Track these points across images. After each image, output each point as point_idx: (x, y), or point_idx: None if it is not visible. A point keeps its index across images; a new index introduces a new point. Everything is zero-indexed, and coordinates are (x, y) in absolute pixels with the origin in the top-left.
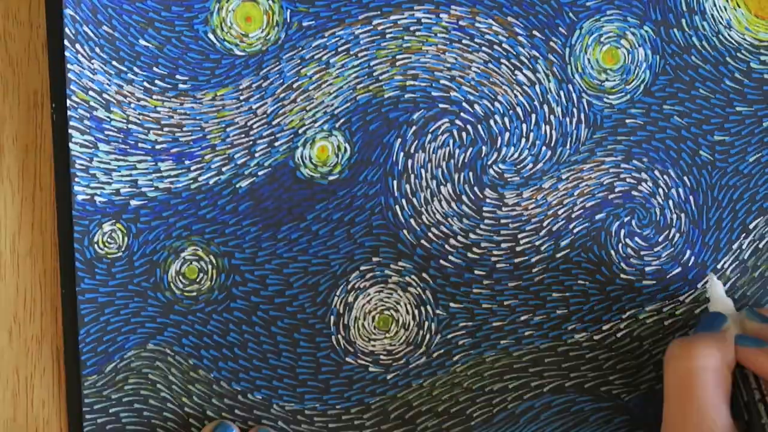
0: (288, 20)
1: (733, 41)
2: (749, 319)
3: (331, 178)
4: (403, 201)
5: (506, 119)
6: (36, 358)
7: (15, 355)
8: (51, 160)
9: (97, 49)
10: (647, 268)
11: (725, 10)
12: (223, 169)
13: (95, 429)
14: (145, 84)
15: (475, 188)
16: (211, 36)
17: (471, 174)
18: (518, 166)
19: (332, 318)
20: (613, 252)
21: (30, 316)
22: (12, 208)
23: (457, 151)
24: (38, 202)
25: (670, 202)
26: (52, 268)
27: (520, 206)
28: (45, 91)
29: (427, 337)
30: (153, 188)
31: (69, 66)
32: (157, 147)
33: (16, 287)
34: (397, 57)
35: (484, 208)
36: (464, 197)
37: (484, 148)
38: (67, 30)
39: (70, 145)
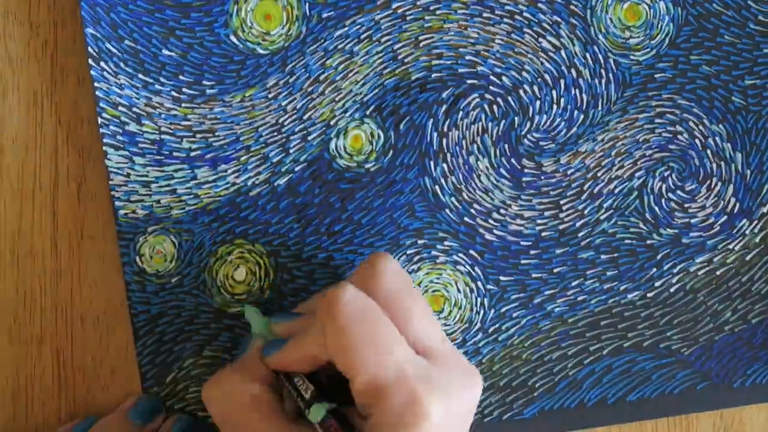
0: (307, 13)
1: None
2: (275, 323)
3: (367, 165)
4: (442, 180)
5: (535, 87)
6: (36, 358)
7: (15, 355)
8: (51, 160)
9: (122, 64)
10: (692, 220)
11: None
12: (260, 169)
13: None
14: (173, 93)
15: (512, 159)
16: (233, 38)
17: (506, 146)
18: (552, 133)
19: None
20: (656, 208)
21: (30, 316)
22: (12, 208)
23: (490, 124)
24: (38, 202)
25: (708, 151)
26: (52, 269)
27: (559, 173)
28: (45, 91)
29: (481, 312)
30: (192, 195)
31: (96, 84)
32: (192, 154)
33: (16, 287)
34: (420, 38)
35: (524, 179)
36: (502, 170)
37: (516, 118)
38: (90, 49)
39: (106, 161)
